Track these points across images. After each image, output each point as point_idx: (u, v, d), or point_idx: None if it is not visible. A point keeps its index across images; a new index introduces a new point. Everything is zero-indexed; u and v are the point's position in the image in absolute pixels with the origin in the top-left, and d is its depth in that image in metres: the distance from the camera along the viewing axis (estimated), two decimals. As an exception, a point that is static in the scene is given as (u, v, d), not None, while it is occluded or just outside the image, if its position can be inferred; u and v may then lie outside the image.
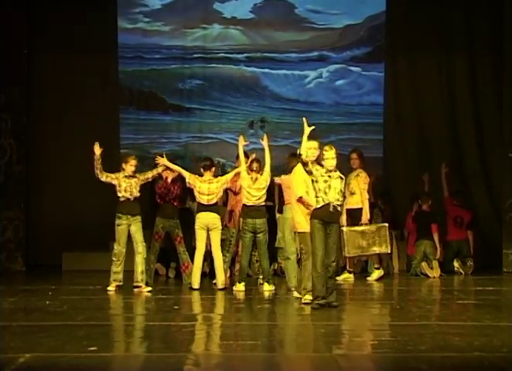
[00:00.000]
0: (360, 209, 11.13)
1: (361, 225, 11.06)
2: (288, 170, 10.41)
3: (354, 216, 11.17)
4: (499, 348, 6.39)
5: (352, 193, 11.17)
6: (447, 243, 12.47)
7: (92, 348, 6.35)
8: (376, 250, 11.15)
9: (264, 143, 10.38)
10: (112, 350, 6.40)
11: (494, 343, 6.58)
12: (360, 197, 11.19)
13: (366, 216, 11.15)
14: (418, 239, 12.22)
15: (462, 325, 7.56)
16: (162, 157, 10.78)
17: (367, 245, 10.98)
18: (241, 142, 10.51)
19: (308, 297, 8.71)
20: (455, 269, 12.32)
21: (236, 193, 10.95)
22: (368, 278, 11.41)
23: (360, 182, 11.23)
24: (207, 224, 10.36)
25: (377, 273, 11.47)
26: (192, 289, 10.24)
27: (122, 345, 6.59)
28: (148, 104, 14.08)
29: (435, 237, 12.21)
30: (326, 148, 8.71)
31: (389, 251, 11.44)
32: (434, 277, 11.87)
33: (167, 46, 14.08)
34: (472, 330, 7.27)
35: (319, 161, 8.70)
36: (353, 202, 11.19)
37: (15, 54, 12.91)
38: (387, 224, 11.40)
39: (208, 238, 10.44)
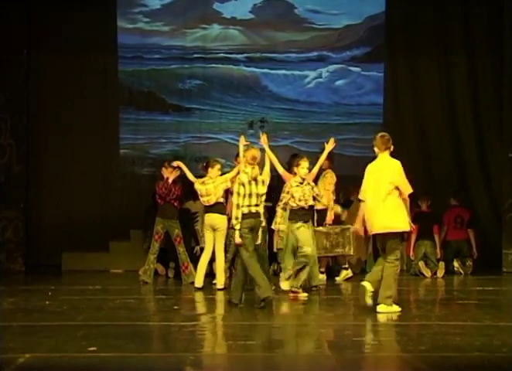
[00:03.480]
0: (326, 210, 10.99)
1: (325, 225, 10.92)
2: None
3: (320, 216, 10.99)
4: (499, 348, 6.40)
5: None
6: (447, 242, 12.48)
7: (91, 349, 6.35)
8: (339, 251, 11.11)
9: (264, 144, 10.37)
10: (111, 350, 6.38)
11: (494, 343, 6.59)
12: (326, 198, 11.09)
13: (330, 216, 11.01)
14: (419, 239, 12.22)
15: (462, 325, 7.56)
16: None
17: (331, 246, 10.93)
18: (242, 142, 10.50)
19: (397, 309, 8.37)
20: (455, 269, 12.32)
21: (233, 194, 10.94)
22: (336, 278, 11.32)
23: (326, 183, 11.15)
24: (212, 225, 10.36)
25: (344, 274, 11.35)
26: (196, 289, 10.21)
27: (122, 346, 6.56)
28: (147, 104, 14.05)
29: (436, 238, 12.23)
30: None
31: (352, 253, 11.30)
32: (436, 278, 11.87)
33: (167, 46, 14.06)
34: (472, 330, 7.28)
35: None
36: (320, 203, 11.00)
37: (15, 54, 12.89)
38: (351, 226, 11.36)
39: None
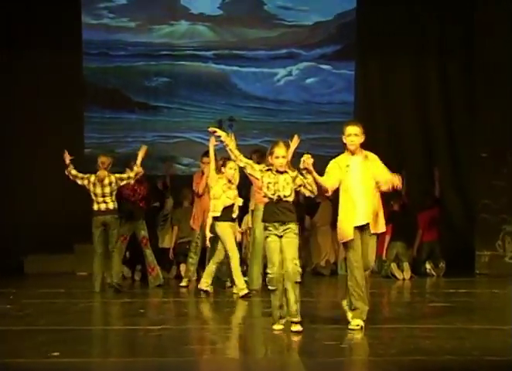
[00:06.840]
0: None
1: None
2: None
3: None
4: (470, 351, 6.32)
5: None
6: (420, 244, 12.44)
7: (54, 354, 6.19)
8: None
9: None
10: (75, 355, 6.22)
11: (465, 346, 6.51)
12: None
13: None
14: (391, 240, 12.15)
15: (433, 328, 7.49)
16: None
17: None
18: (212, 142, 10.34)
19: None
20: (427, 271, 12.27)
21: (199, 195, 10.81)
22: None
23: None
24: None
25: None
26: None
27: (86, 351, 6.45)
28: (113, 102, 13.97)
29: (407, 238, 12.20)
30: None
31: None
32: (404, 279, 11.83)
33: (133, 43, 13.96)
34: (444, 333, 7.20)
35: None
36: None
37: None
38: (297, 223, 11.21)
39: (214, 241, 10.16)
